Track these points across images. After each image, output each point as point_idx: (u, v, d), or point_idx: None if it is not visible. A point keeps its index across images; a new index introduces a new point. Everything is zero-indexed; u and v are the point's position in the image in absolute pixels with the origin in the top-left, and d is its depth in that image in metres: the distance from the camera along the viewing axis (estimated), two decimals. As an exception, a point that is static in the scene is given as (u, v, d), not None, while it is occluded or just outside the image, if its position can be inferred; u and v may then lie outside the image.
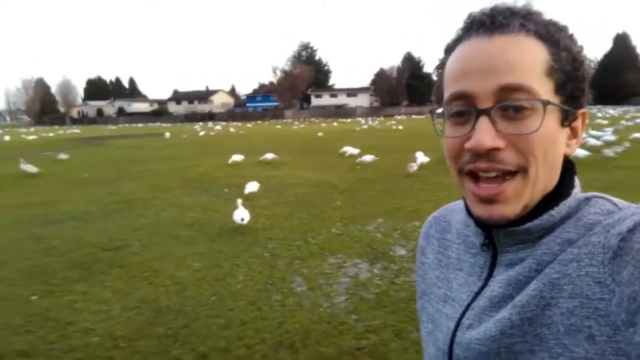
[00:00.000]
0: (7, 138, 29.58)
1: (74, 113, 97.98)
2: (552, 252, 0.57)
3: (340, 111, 75.50)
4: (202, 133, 32.84)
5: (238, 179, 10.74)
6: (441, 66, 0.65)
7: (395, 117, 59.77)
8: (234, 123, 61.27)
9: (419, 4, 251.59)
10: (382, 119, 54.58)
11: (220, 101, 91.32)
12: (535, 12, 0.60)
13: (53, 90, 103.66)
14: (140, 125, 67.31)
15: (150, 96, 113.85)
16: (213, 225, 6.72)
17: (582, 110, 0.61)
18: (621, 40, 67.39)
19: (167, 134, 31.37)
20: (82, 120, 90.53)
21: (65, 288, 4.56)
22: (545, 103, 0.55)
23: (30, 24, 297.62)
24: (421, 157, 11.48)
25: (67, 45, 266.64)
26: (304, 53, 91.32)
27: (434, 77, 0.68)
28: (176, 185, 10.37)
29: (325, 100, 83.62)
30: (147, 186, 10.35)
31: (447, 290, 0.71)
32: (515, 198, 0.57)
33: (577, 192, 0.62)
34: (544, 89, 0.56)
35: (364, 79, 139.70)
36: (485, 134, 0.55)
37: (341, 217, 6.94)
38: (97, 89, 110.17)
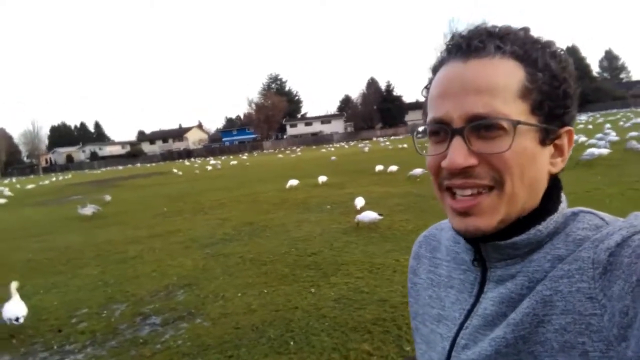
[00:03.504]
0: (6, 191, 29.02)
1: (42, 161, 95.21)
2: (543, 269, 0.58)
3: (318, 138, 77.24)
4: (209, 168, 33.38)
5: (322, 198, 11.69)
6: (429, 86, 0.67)
7: (375, 139, 61.90)
8: (211, 159, 61.46)
9: (382, 30, 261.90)
10: (369, 141, 56.29)
11: (196, 138, 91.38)
12: (515, 31, 0.61)
13: (15, 140, 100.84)
14: (120, 167, 66.46)
15: (116, 138, 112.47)
16: (365, 229, 7.62)
17: (566, 129, 0.62)
18: (571, 53, 72.94)
19: (179, 171, 31.88)
20: (54, 168, 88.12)
21: (317, 282, 5.37)
22: (515, 123, 0.57)
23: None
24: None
25: (26, 93, 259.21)
26: (273, 85, 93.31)
27: (423, 97, 0.69)
28: (273, 208, 11.16)
29: (301, 129, 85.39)
30: (250, 211, 11.03)
31: (440, 310, 0.71)
32: (490, 211, 0.59)
33: (564, 208, 0.64)
34: (518, 109, 0.58)
35: (333, 106, 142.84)
36: (458, 154, 0.58)
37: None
38: (62, 135, 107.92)
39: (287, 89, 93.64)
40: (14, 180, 61.06)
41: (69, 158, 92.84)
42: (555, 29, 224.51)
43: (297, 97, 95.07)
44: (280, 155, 43.30)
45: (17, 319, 4.70)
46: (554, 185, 0.64)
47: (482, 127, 0.58)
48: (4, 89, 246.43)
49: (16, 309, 4.81)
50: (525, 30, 0.62)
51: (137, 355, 3.98)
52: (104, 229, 10.97)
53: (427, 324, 0.74)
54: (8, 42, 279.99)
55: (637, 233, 0.52)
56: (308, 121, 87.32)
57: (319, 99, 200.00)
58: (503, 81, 0.58)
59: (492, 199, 0.59)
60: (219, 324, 4.45)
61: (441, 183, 0.63)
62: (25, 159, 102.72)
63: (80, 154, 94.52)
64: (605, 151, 12.67)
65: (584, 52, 77.58)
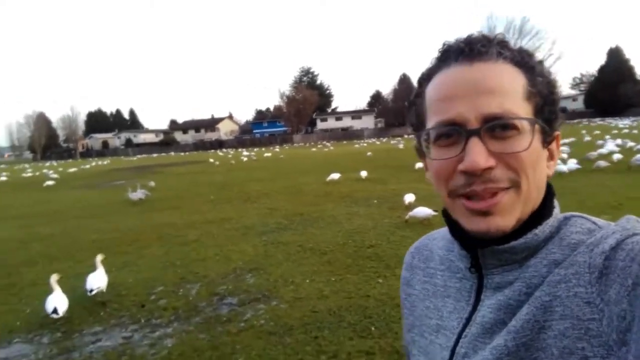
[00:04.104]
0: (51, 173, 30.30)
1: (79, 146, 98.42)
2: (540, 274, 0.58)
3: (348, 133, 77.08)
4: (245, 159, 34.02)
5: (367, 193, 11.82)
6: (419, 94, 0.67)
7: (407, 136, 61.35)
8: (243, 150, 62.21)
9: (415, 26, 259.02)
10: (401, 138, 55.99)
11: (228, 129, 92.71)
12: (507, 40, 0.63)
13: (54, 124, 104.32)
14: (155, 155, 68.24)
15: (150, 126, 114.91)
16: (418, 225, 7.70)
17: (556, 133, 0.64)
18: (615, 54, 70.34)
19: (215, 161, 32.81)
20: (90, 153, 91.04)
21: (382, 273, 5.50)
22: (533, 122, 0.59)
23: (26, 58, 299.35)
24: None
25: (64, 78, 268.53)
26: (305, 78, 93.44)
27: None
28: (319, 200, 11.35)
29: (331, 123, 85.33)
30: (297, 202, 11.26)
31: (438, 320, 0.70)
32: (510, 210, 0.59)
33: (557, 212, 0.64)
34: (525, 111, 0.59)
35: (363, 101, 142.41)
36: (478, 155, 0.57)
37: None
38: (98, 121, 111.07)
39: (318, 82, 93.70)
40: (54, 163, 63.45)
41: (105, 144, 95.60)
42: (597, 29, 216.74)
43: (328, 91, 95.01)
44: (313, 149, 43.59)
45: (91, 291, 5.12)
46: (548, 189, 0.65)
47: (497, 127, 0.58)
48: (44, 75, 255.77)
49: (96, 280, 5.23)
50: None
51: (224, 332, 4.22)
52: (158, 212, 11.41)
53: (426, 335, 0.72)
54: (49, 30, 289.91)
55: (631, 236, 0.53)
56: (338, 116, 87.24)
57: (349, 94, 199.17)
58: (510, 83, 0.59)
59: (511, 197, 0.58)
60: (296, 307, 4.65)
61: (453, 190, 0.61)
62: (62, 143, 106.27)
63: (116, 140, 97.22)
64: (659, 157, 12.38)
65: (627, 54, 74.56)
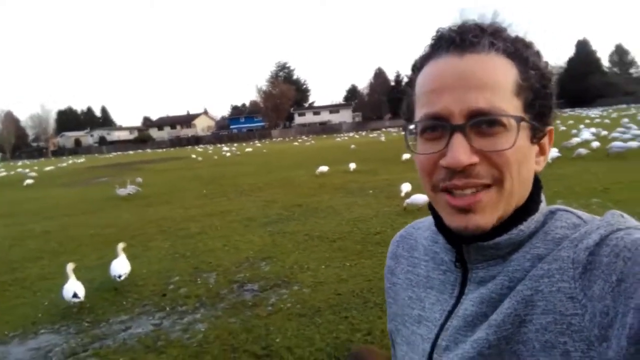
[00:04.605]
0: (28, 172, 29.44)
1: (50, 145, 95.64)
2: (523, 268, 0.58)
3: (326, 127, 77.41)
4: (228, 154, 33.88)
5: (360, 184, 12.01)
6: (410, 83, 0.66)
7: (385, 129, 62.03)
8: (223, 146, 61.50)
9: (390, 19, 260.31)
10: (381, 131, 56.49)
11: (204, 125, 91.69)
12: (502, 29, 0.61)
13: (22, 123, 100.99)
14: (131, 152, 67.01)
15: (122, 124, 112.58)
16: (416, 212, 7.95)
17: (549, 128, 0.63)
18: (583, 46, 72.81)
19: (198, 157, 32.49)
20: (62, 151, 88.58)
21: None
22: (519, 120, 0.57)
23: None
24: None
25: (30, 77, 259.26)
26: (281, 73, 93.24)
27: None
28: (314, 192, 11.48)
29: (309, 117, 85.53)
30: (292, 194, 11.37)
31: (420, 311, 0.70)
32: (491, 208, 0.58)
33: (543, 207, 0.64)
34: (514, 106, 0.57)
35: (339, 96, 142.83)
36: (460, 151, 0.56)
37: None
38: (69, 119, 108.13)
39: (294, 77, 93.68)
40: (27, 162, 61.51)
41: (77, 142, 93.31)
42: (565, 22, 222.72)
43: (304, 86, 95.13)
44: (295, 144, 43.63)
45: (119, 276, 5.25)
46: (535, 184, 0.64)
47: (483, 123, 0.56)
48: (11, 72, 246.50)
49: (121, 266, 5.39)
50: (506, 29, 0.62)
51: (253, 315, 4.33)
52: (152, 208, 11.34)
53: (408, 325, 0.72)
54: (13, 25, 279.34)
55: (615, 232, 0.53)
56: (316, 110, 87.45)
57: (325, 89, 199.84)
58: (500, 77, 0.57)
59: (492, 196, 0.58)
60: (318, 290, 4.79)
61: (436, 184, 0.61)
62: (31, 142, 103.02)
63: (89, 138, 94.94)
64: (635, 144, 13.00)
65: (594, 46, 77.05)
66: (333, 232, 7.13)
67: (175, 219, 9.46)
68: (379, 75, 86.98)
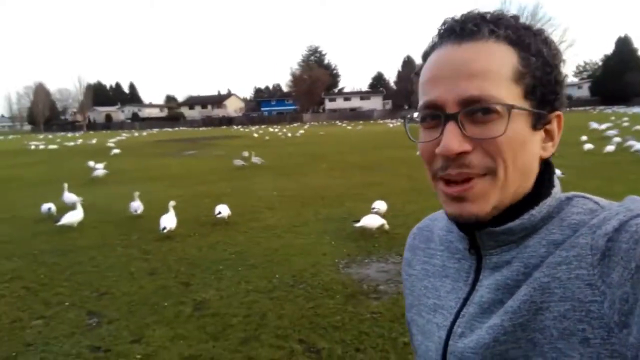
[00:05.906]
0: (94, 142, 30.06)
1: (84, 119, 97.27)
2: (538, 254, 0.58)
3: (356, 114, 77.99)
4: (289, 135, 34.96)
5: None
6: (418, 72, 0.66)
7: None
8: (258, 127, 62.38)
9: (419, 6, 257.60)
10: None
11: (236, 106, 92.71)
12: (507, 17, 0.61)
13: (52, 96, 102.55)
14: (167, 129, 68.29)
15: (148, 101, 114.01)
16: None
17: (556, 113, 0.62)
18: (623, 43, 71.79)
19: (265, 136, 34.09)
20: (94, 126, 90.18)
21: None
22: (509, 107, 0.56)
23: (26, 29, 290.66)
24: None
25: (64, 50, 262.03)
26: (312, 57, 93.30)
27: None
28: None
29: (339, 103, 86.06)
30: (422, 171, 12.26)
31: (435, 300, 0.70)
32: (483, 197, 0.58)
33: (558, 192, 0.63)
34: (511, 93, 0.57)
35: (365, 83, 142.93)
36: (452, 139, 0.56)
37: None
38: (97, 94, 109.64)
39: (325, 62, 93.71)
40: (69, 135, 62.27)
41: (108, 117, 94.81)
42: (607, 20, 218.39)
43: (335, 71, 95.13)
44: (348, 127, 44.19)
45: (164, 229, 6.44)
46: (547, 169, 0.64)
47: (476, 111, 0.57)
48: (47, 44, 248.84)
49: (168, 221, 6.59)
50: (516, 17, 0.62)
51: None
52: (305, 177, 12.30)
53: (424, 315, 0.72)
54: (43, 5, 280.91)
55: (634, 217, 0.52)
56: (347, 96, 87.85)
57: (351, 75, 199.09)
58: (497, 64, 0.57)
59: (485, 184, 0.58)
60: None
61: (435, 173, 0.62)
62: (61, 116, 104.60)
63: (119, 114, 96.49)
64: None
65: (637, 44, 75.93)
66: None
67: (336, 188, 10.21)
68: (408, 63, 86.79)
